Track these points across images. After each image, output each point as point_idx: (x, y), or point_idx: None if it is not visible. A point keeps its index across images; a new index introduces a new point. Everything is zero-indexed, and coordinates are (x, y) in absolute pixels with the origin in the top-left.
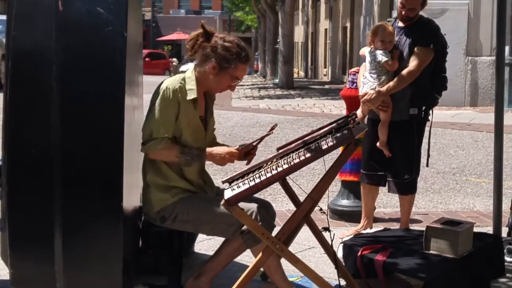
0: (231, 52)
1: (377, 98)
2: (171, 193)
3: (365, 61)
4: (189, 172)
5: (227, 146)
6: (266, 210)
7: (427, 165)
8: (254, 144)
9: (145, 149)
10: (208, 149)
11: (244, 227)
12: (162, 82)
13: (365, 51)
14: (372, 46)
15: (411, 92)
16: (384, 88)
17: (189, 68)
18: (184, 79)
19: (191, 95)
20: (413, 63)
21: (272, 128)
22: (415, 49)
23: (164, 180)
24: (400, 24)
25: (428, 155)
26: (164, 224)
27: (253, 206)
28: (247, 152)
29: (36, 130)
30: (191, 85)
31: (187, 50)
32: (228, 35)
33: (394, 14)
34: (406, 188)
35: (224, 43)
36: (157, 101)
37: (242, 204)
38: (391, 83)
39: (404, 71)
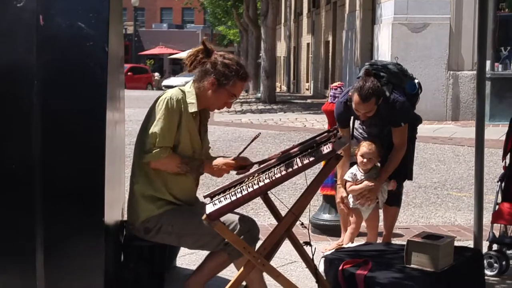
0: (230, 69)
1: (376, 191)
2: (157, 205)
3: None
4: (179, 186)
5: (223, 156)
6: (250, 225)
7: (410, 178)
8: (238, 154)
9: (150, 157)
10: (207, 161)
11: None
12: (162, 94)
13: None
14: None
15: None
16: (379, 182)
17: (188, 83)
18: (184, 92)
19: (192, 108)
20: (397, 142)
21: (256, 137)
22: (393, 130)
23: (152, 191)
24: None
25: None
26: (148, 236)
27: (235, 219)
28: (243, 166)
29: (17, 145)
30: (191, 99)
31: (186, 65)
32: (227, 53)
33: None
34: (394, 200)
35: (224, 60)
36: (161, 111)
37: (224, 218)
38: (386, 170)
39: (393, 159)
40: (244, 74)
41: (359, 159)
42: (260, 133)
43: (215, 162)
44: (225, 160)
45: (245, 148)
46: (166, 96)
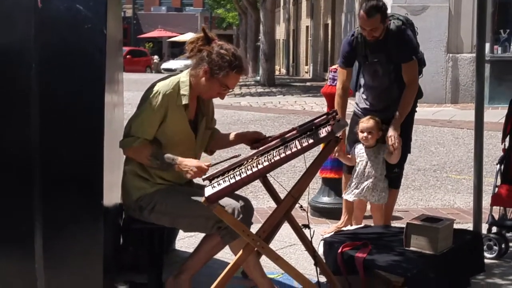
0: (224, 60)
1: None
2: (149, 183)
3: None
4: (168, 172)
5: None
6: (246, 206)
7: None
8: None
9: (121, 144)
10: (180, 159)
11: (221, 223)
12: (156, 82)
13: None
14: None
15: (400, 90)
16: (396, 128)
17: (185, 72)
18: (178, 83)
19: (183, 101)
20: (407, 78)
21: (233, 157)
22: (403, 66)
23: (142, 172)
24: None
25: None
26: (143, 214)
27: (233, 202)
28: (257, 139)
29: (15, 128)
30: (184, 90)
31: (187, 51)
32: (227, 43)
33: None
34: (393, 181)
35: (220, 50)
36: (145, 103)
37: (222, 201)
38: (399, 114)
39: (406, 97)
40: (237, 65)
41: (360, 135)
42: (240, 154)
43: (188, 162)
44: (198, 164)
45: (220, 162)
46: (157, 89)
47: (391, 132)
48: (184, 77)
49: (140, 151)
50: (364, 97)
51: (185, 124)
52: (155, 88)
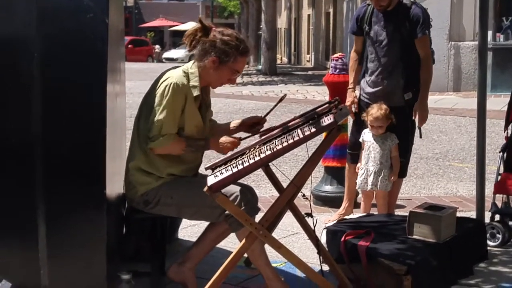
0: (230, 46)
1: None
2: (154, 177)
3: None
4: (181, 166)
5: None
6: (250, 195)
7: (420, 136)
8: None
9: (155, 145)
10: (212, 139)
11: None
12: (164, 73)
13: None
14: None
15: (405, 78)
16: (423, 105)
17: (192, 62)
18: (188, 75)
19: (195, 92)
20: (422, 53)
21: (282, 98)
22: (416, 42)
23: (149, 168)
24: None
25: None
26: (147, 208)
27: (236, 190)
28: (255, 123)
29: (17, 118)
30: (194, 81)
31: (186, 45)
32: (226, 28)
33: None
34: (399, 170)
35: (223, 37)
36: (167, 97)
37: (225, 189)
38: (423, 94)
39: (424, 74)
40: (244, 49)
41: (370, 127)
42: (286, 94)
43: (221, 140)
44: (230, 139)
45: (271, 109)
46: (172, 81)
47: (419, 115)
48: (192, 69)
49: (174, 146)
50: (368, 79)
51: (197, 115)
52: (172, 80)
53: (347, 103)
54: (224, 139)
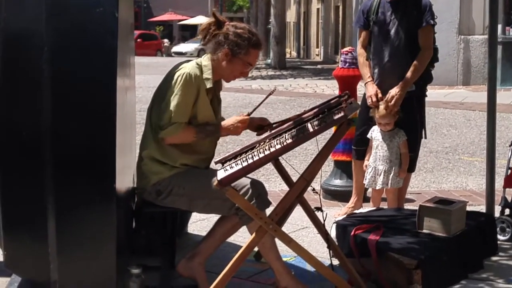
0: (242, 38)
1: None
2: (167, 167)
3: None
4: (194, 156)
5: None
6: (260, 189)
7: (425, 137)
8: (250, 111)
9: (165, 133)
10: (222, 124)
11: None
12: (178, 65)
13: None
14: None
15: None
16: (402, 88)
17: (205, 56)
18: (201, 67)
19: (208, 84)
20: (423, 42)
21: (271, 93)
22: (419, 31)
23: (162, 158)
24: None
25: (424, 127)
26: (159, 198)
27: (246, 184)
28: (261, 126)
29: (27, 112)
30: (207, 74)
31: (200, 40)
32: (239, 22)
33: None
34: (408, 165)
35: (236, 29)
36: (179, 86)
37: (235, 183)
38: (408, 76)
39: (419, 59)
40: (256, 41)
41: (378, 124)
42: (275, 88)
43: (229, 121)
44: (238, 117)
45: (259, 104)
46: (185, 71)
47: (393, 92)
48: (205, 61)
49: (185, 134)
50: (374, 71)
51: (209, 108)
52: (185, 71)
53: (369, 94)
54: (232, 120)
